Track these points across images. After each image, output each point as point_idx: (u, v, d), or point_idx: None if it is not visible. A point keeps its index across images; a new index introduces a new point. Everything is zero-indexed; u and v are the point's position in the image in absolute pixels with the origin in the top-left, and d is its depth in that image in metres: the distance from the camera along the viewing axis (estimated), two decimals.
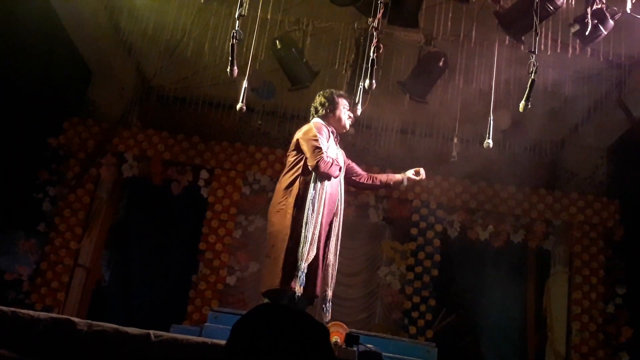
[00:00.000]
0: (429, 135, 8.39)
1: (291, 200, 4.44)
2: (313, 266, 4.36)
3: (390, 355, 4.61)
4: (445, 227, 8.42)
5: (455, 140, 7.48)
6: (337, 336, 4.06)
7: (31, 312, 3.30)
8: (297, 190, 4.45)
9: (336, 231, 4.60)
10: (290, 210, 4.41)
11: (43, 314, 3.30)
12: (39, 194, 8.03)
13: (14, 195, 7.68)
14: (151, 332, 3.29)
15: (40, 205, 8.03)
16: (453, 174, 8.38)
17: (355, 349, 3.82)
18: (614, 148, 8.44)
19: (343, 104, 4.77)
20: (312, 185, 4.42)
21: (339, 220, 4.64)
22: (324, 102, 4.74)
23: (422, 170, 4.86)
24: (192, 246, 8.18)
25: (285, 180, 4.57)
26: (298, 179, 4.49)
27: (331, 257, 4.53)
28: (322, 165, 4.37)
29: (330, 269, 4.52)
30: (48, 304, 7.59)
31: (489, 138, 5.25)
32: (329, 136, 4.62)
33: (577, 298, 8.00)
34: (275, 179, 8.30)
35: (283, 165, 8.14)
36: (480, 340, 8.34)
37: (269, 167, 8.35)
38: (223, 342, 3.24)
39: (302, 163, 4.53)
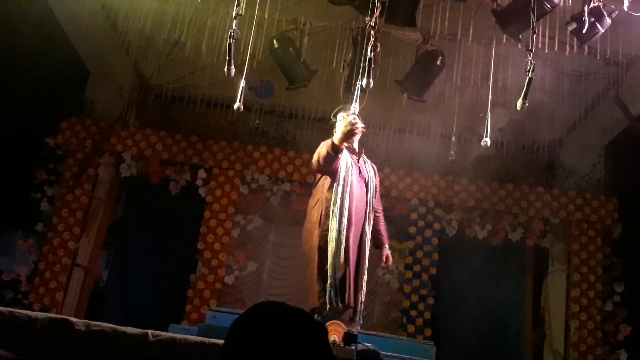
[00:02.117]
0: (427, 134, 8.39)
1: (316, 219, 4.62)
2: (343, 278, 4.50)
3: (389, 353, 4.60)
4: (444, 226, 8.43)
5: (453, 139, 7.50)
6: (335, 335, 4.05)
7: (28, 312, 3.30)
8: (319, 210, 4.63)
9: (365, 241, 4.72)
10: (315, 229, 4.59)
11: (40, 314, 3.30)
12: (36, 193, 8.02)
13: (12, 195, 7.66)
14: (149, 331, 3.29)
15: (38, 205, 8.03)
16: (451, 173, 8.39)
17: (353, 347, 3.82)
18: (612, 146, 8.44)
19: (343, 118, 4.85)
20: (333, 201, 4.58)
21: (368, 229, 4.76)
22: (333, 123, 4.87)
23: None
24: (191, 246, 8.16)
25: (311, 200, 4.78)
26: (320, 199, 4.67)
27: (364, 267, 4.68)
28: (314, 157, 4.53)
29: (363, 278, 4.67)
30: (46, 304, 7.58)
31: (486, 136, 5.25)
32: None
33: (575, 296, 8.01)
34: (273, 178, 8.36)
35: (281, 164, 8.29)
36: (478, 337, 8.33)
37: (267, 167, 8.35)
38: (221, 341, 3.25)
39: (322, 182, 4.71)
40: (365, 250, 4.70)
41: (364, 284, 4.71)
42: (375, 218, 4.95)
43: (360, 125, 4.45)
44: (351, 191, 4.65)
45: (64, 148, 8.24)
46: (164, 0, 6.75)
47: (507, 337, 8.52)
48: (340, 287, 4.46)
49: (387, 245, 5.04)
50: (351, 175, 4.69)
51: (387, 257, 5.00)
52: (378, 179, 5.06)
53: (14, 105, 7.22)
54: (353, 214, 4.61)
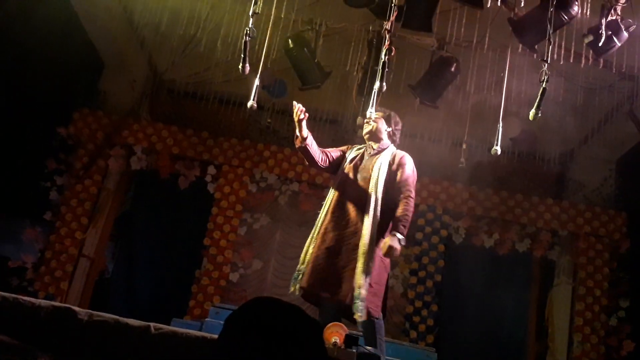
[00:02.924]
0: (438, 140, 8.36)
1: None
2: (316, 266, 4.43)
3: (390, 358, 4.59)
4: (451, 233, 8.40)
5: (464, 146, 7.47)
6: (336, 336, 4.05)
7: (33, 300, 3.32)
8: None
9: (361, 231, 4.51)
10: None
11: (44, 302, 3.31)
12: (46, 182, 8.06)
13: (22, 183, 7.71)
14: (151, 324, 3.30)
15: (48, 194, 8.06)
16: (460, 180, 8.36)
17: (354, 350, 3.81)
18: (624, 160, 8.39)
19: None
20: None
21: (368, 224, 4.47)
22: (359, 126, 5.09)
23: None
24: (197, 241, 8.19)
25: None
26: None
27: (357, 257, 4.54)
28: None
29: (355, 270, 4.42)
30: (51, 293, 7.61)
31: (497, 145, 5.23)
32: (350, 147, 4.88)
33: (580, 309, 7.97)
34: (282, 177, 8.36)
35: (290, 164, 8.29)
36: (480, 346, 8.30)
37: (276, 166, 8.35)
38: None
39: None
40: (361, 240, 4.42)
41: (361, 277, 4.30)
42: (396, 202, 4.56)
43: (301, 110, 4.38)
44: (339, 183, 4.66)
45: (76, 138, 8.28)
46: None
47: (510, 347, 8.48)
48: (305, 271, 4.47)
49: (396, 234, 4.40)
50: (345, 169, 4.70)
51: (383, 243, 4.43)
52: (401, 164, 4.78)
53: (28, 93, 7.27)
54: (333, 203, 4.60)
